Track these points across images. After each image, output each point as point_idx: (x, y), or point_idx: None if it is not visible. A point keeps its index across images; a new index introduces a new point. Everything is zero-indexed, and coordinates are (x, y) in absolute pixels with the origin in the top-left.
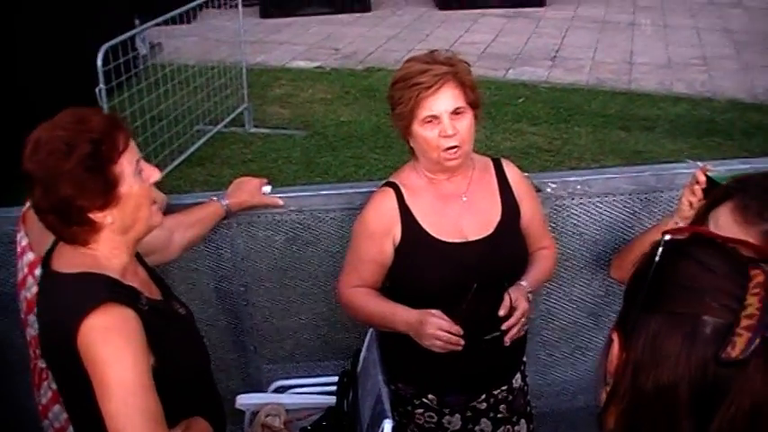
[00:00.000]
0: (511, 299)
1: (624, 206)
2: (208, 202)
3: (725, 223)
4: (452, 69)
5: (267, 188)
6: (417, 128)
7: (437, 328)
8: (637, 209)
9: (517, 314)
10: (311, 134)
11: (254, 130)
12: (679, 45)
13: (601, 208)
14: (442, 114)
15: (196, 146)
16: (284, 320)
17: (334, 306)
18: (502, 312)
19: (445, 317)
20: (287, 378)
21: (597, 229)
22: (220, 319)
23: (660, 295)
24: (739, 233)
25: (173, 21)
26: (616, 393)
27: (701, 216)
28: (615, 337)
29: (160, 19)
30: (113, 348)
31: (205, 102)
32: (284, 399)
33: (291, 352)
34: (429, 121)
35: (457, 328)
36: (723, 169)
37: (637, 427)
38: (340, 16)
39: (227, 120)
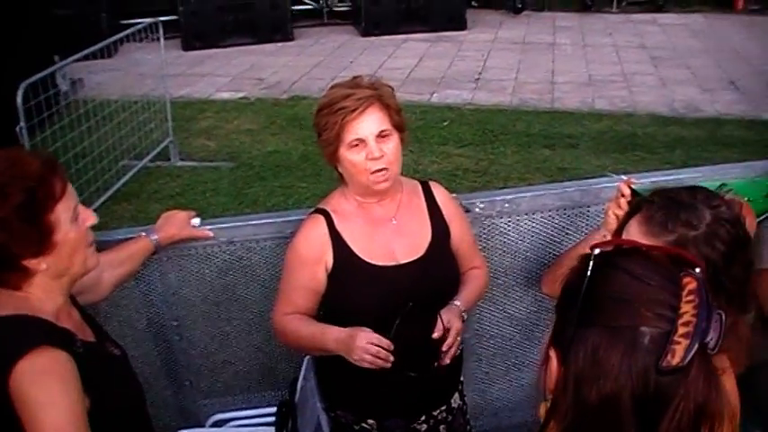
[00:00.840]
0: (443, 321)
1: (552, 222)
2: (137, 237)
3: (634, 235)
4: (376, 93)
5: (196, 221)
6: (344, 152)
7: (366, 341)
8: (564, 224)
9: (452, 334)
10: (238, 165)
11: (180, 163)
12: (599, 63)
13: (529, 225)
14: (368, 137)
15: (122, 181)
16: (220, 353)
17: (270, 336)
18: (436, 335)
19: (374, 333)
20: (225, 411)
21: (527, 246)
22: (154, 355)
23: (595, 309)
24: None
25: (93, 56)
26: (557, 408)
27: (620, 229)
28: (552, 353)
29: (80, 54)
30: (48, 392)
31: (129, 137)
32: None
33: (228, 384)
34: (355, 145)
35: (387, 342)
36: (647, 182)
37: None
38: (262, 46)
39: (153, 154)
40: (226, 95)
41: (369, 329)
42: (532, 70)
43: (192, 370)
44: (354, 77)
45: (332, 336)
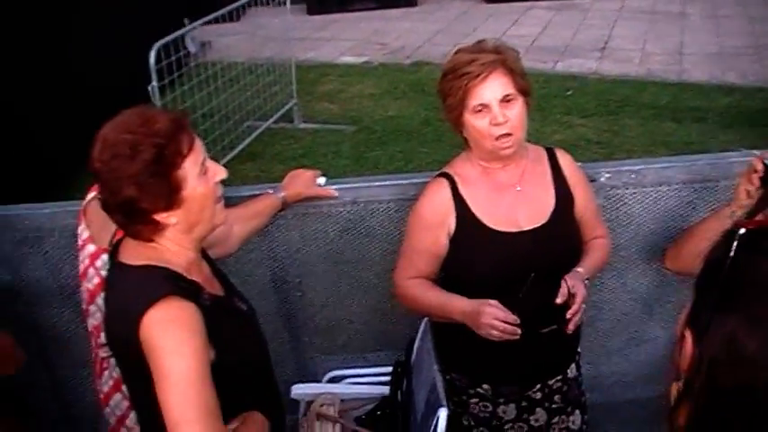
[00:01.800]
0: (568, 286)
1: (678, 196)
2: (264, 194)
3: None
4: (500, 57)
5: (321, 180)
6: (468, 117)
7: (493, 318)
8: (692, 198)
9: (578, 300)
10: (360, 129)
11: (303, 125)
12: (729, 35)
13: (654, 197)
14: (492, 102)
15: (246, 142)
16: (338, 311)
17: (388, 296)
18: (559, 300)
19: (501, 306)
20: (341, 368)
21: (651, 219)
22: (275, 311)
23: (736, 294)
24: None
25: (221, 19)
26: (689, 391)
27: (762, 204)
28: (687, 333)
29: (208, 17)
30: (174, 340)
31: (254, 98)
32: (338, 389)
33: (345, 342)
34: (479, 110)
35: (513, 318)
36: None
37: (710, 425)
38: (386, 11)
39: (277, 116)
40: (349, 59)
41: (495, 303)
42: (660, 40)
43: (310, 326)
44: (479, 41)
45: (458, 307)
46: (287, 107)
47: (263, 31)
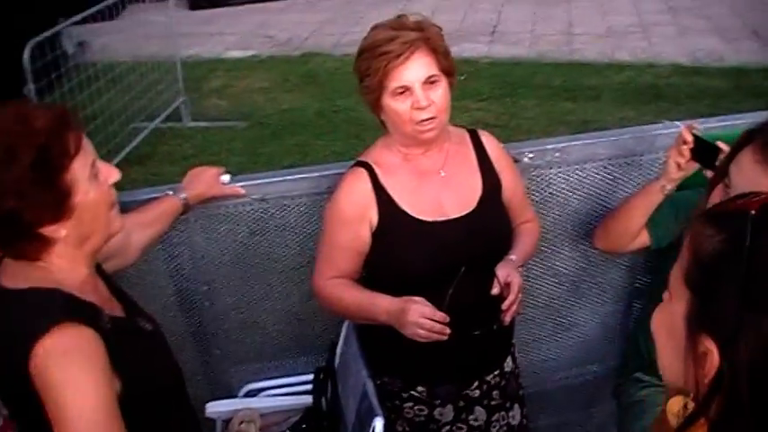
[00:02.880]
0: (502, 276)
1: (604, 172)
2: (163, 197)
3: (746, 165)
4: (423, 35)
5: (226, 177)
6: (388, 100)
7: (420, 316)
8: (617, 174)
9: (513, 290)
10: (252, 124)
11: (192, 123)
12: (616, 14)
13: (580, 176)
14: (414, 84)
15: (133, 144)
16: (252, 319)
17: (305, 299)
18: (495, 291)
19: (428, 303)
20: (258, 380)
21: (577, 199)
22: (183, 325)
23: (765, 288)
24: (762, 173)
25: (99, 17)
26: (711, 404)
27: (723, 169)
28: (711, 345)
29: (83, 14)
30: (72, 374)
31: (139, 98)
32: (257, 403)
33: (261, 352)
34: (400, 93)
35: (441, 315)
36: (702, 128)
37: None
38: (270, 4)
39: (164, 115)
40: (236, 54)
41: (421, 300)
42: (549, 22)
43: (221, 337)
44: (398, 16)
45: (382, 306)
46: (174, 105)
47: (144, 28)
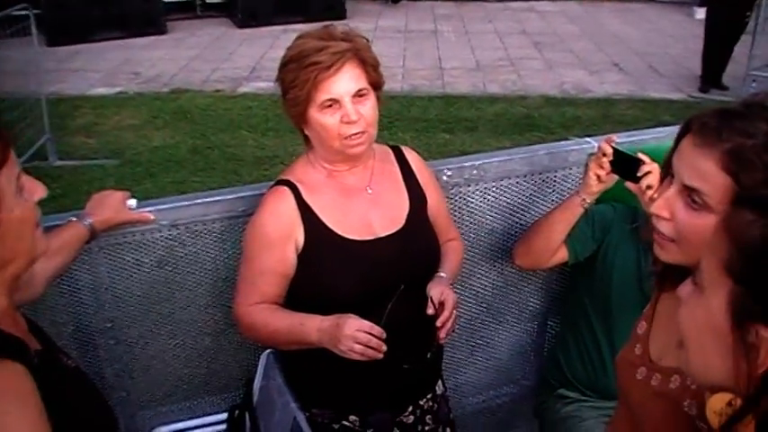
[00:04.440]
0: (434, 297)
1: (519, 189)
2: (67, 224)
3: (686, 151)
4: (352, 46)
5: (132, 202)
6: (315, 114)
7: (356, 329)
8: (532, 191)
9: (449, 305)
10: (124, 162)
11: (59, 162)
12: (484, 48)
13: (497, 193)
14: (344, 97)
15: None
16: (160, 357)
17: (218, 332)
18: (430, 311)
19: (363, 320)
20: (169, 423)
21: (494, 216)
22: (84, 365)
23: None
24: (699, 156)
25: None
26: (764, 397)
27: (668, 164)
28: (766, 332)
29: None
30: (5, 417)
31: None
32: None
33: (171, 392)
34: (329, 106)
35: (379, 330)
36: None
37: None
38: (134, 40)
39: (28, 154)
40: (102, 91)
41: (356, 316)
42: (419, 57)
43: (127, 378)
44: (325, 26)
45: (313, 326)
46: (39, 143)
47: (1, 65)
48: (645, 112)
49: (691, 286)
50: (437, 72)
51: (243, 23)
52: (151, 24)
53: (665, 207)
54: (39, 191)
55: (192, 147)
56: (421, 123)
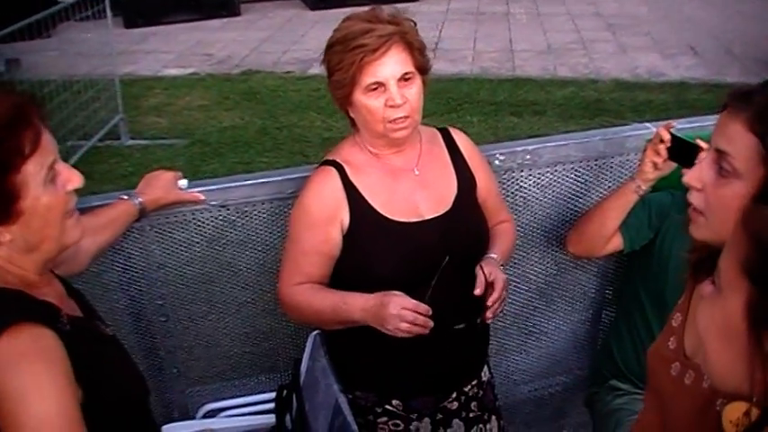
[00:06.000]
0: (485, 274)
1: (575, 175)
2: (117, 201)
3: (720, 119)
4: (399, 29)
5: (183, 182)
6: (360, 96)
7: (401, 308)
8: (587, 177)
9: (498, 286)
10: (193, 142)
11: (131, 142)
12: (556, 31)
13: (551, 178)
14: (389, 81)
15: (70, 163)
16: (210, 334)
17: (268, 312)
18: (478, 291)
19: (408, 297)
20: (217, 400)
21: (548, 202)
22: (135, 341)
23: None
24: (729, 120)
25: (29, 36)
26: None
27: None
28: None
29: (8, 30)
30: (30, 379)
31: (74, 116)
32: (217, 424)
33: (220, 370)
34: (374, 89)
35: (424, 307)
36: (677, 126)
37: None
38: (208, 22)
39: (102, 133)
40: (174, 72)
41: (401, 293)
42: (490, 39)
43: (179, 355)
44: (372, 8)
45: (357, 304)
46: (112, 123)
47: (76, 46)
48: (719, 98)
49: (711, 286)
50: (507, 54)
51: (315, 5)
52: (224, 7)
53: (697, 177)
54: (74, 180)
55: (261, 127)
56: (489, 106)
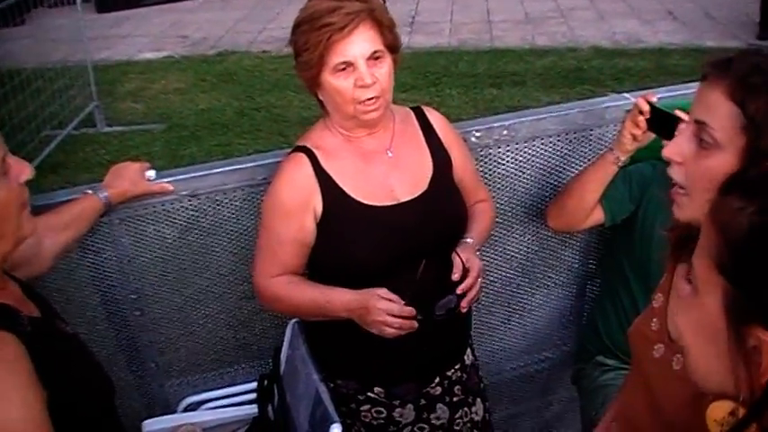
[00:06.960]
0: (462, 260)
1: (553, 149)
2: (81, 196)
3: (699, 89)
4: (367, 6)
5: (151, 173)
6: (328, 77)
7: (386, 314)
8: (566, 150)
9: (473, 274)
10: (170, 126)
11: (107, 129)
12: (533, 0)
13: (529, 154)
14: (358, 60)
15: (45, 152)
16: (186, 327)
17: (245, 300)
18: (456, 276)
19: (392, 296)
20: (198, 393)
21: (527, 177)
22: (111, 337)
23: None
24: (707, 90)
25: (3, 23)
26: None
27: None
28: (764, 335)
29: None
30: None
31: (49, 105)
32: (198, 417)
33: (199, 362)
34: (342, 69)
35: (409, 310)
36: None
37: None
38: (182, 3)
39: (77, 121)
40: (149, 55)
41: (383, 292)
42: (467, 11)
43: (155, 349)
44: None
45: (340, 303)
46: (87, 111)
47: (50, 33)
48: (700, 62)
49: (688, 286)
50: (485, 26)
51: None
52: None
53: (677, 151)
54: (25, 172)
55: (238, 109)
56: (468, 79)
